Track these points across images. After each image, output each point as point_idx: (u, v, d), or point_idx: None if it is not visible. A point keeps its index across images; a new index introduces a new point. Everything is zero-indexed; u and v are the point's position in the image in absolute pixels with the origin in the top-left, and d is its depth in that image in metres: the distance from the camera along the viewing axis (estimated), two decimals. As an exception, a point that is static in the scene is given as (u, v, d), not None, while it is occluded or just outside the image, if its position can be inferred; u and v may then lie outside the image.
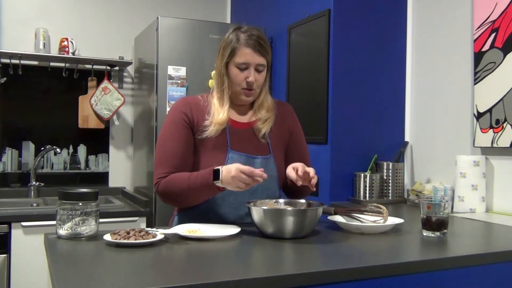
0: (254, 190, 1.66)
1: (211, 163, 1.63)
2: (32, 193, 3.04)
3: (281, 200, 1.64)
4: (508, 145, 2.11)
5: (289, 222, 1.45)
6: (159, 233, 1.40)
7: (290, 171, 1.59)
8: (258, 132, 1.72)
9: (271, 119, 1.74)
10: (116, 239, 1.34)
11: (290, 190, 1.80)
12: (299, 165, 1.58)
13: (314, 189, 1.60)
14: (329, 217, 1.67)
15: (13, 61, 3.05)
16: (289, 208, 1.53)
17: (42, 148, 3.13)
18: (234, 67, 1.65)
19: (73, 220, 1.41)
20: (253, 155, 1.69)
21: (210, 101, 1.71)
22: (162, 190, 1.62)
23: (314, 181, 1.57)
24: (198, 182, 1.54)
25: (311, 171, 1.57)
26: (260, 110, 1.74)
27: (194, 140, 1.68)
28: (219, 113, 1.66)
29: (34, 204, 2.91)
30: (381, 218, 1.62)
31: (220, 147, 1.66)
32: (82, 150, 3.32)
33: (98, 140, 3.36)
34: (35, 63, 3.19)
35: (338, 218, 1.67)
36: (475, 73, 2.27)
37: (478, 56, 2.26)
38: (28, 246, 2.45)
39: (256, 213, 1.48)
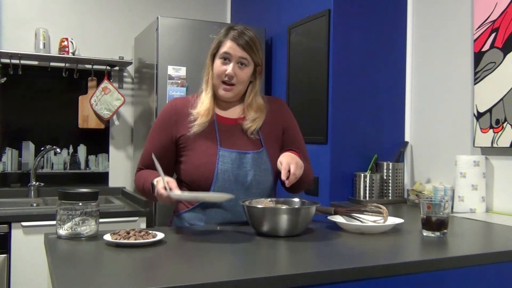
0: (248, 185, 1.68)
1: (202, 161, 1.66)
2: (32, 193, 3.04)
3: (276, 199, 1.65)
4: (508, 145, 2.11)
5: (283, 221, 1.46)
6: (160, 232, 1.40)
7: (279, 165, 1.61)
8: (246, 129, 1.73)
9: (260, 118, 1.75)
10: (116, 239, 1.34)
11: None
12: (285, 162, 1.59)
13: (287, 180, 1.58)
14: (329, 217, 1.67)
15: (13, 61, 3.05)
16: (283, 207, 1.54)
17: (42, 148, 3.13)
18: (218, 58, 1.71)
19: (73, 220, 1.41)
20: (244, 150, 1.69)
21: (198, 97, 1.75)
22: (134, 181, 1.78)
23: (291, 178, 1.57)
24: (146, 187, 1.64)
25: (291, 168, 1.57)
26: (249, 110, 1.75)
27: (184, 138, 1.69)
28: (202, 101, 1.71)
29: (34, 204, 2.91)
30: (381, 218, 1.62)
31: (210, 145, 1.68)
32: (82, 150, 3.32)
33: (98, 140, 3.36)
34: (35, 63, 3.20)
35: (338, 218, 1.67)
36: (475, 73, 2.27)
37: (478, 56, 2.26)
38: (28, 246, 2.45)
39: (251, 212, 1.49)
